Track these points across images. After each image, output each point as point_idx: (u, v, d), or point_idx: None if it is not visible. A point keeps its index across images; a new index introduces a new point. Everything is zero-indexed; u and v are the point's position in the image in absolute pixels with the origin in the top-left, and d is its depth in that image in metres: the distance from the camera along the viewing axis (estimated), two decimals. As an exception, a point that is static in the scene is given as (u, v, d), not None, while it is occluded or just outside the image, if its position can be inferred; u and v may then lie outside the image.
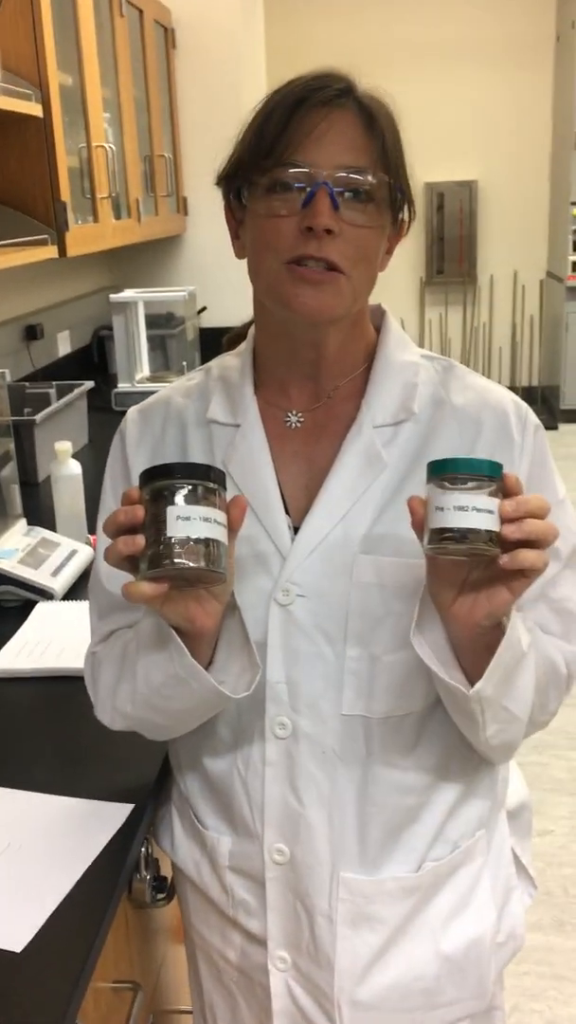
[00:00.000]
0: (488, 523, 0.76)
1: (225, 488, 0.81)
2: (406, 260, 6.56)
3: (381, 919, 0.97)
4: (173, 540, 0.77)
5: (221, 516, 0.80)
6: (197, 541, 0.77)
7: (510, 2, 6.21)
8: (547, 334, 6.75)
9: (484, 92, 6.35)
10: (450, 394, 0.97)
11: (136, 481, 1.00)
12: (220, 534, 0.79)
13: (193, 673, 0.87)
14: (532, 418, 0.98)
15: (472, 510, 0.76)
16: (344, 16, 6.17)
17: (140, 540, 0.78)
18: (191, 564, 0.77)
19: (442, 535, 0.77)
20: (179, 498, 0.78)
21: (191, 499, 0.78)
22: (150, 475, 0.80)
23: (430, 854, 0.98)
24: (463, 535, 0.76)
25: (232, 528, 0.82)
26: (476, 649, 0.85)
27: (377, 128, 0.88)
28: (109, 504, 1.05)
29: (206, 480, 0.79)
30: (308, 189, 0.86)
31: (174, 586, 0.81)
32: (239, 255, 0.97)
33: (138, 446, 1.02)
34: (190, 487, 0.78)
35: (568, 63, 5.96)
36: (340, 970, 0.98)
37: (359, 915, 0.97)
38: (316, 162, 0.86)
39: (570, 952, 2.18)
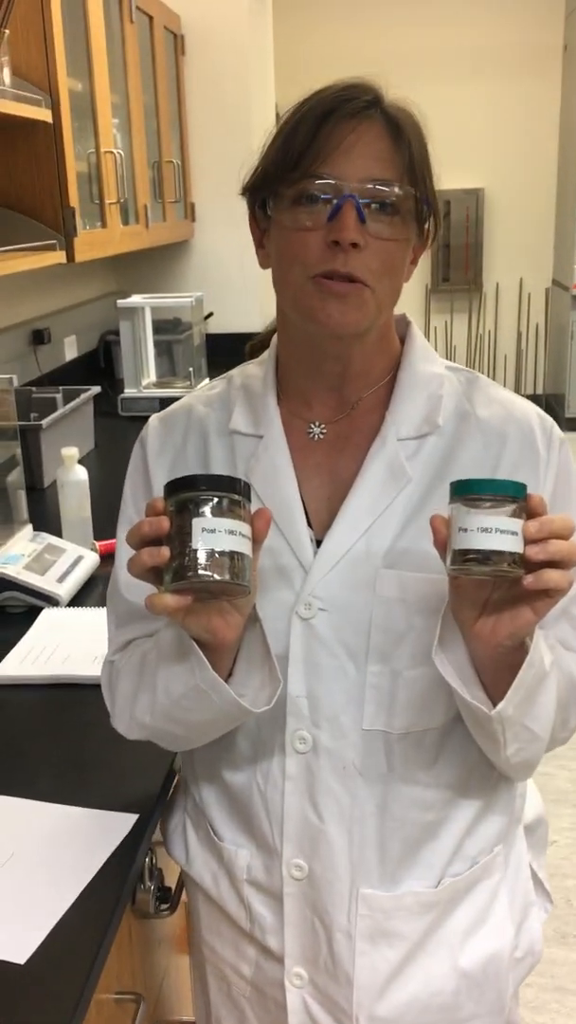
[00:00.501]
0: (512, 545, 0.75)
1: (250, 500, 0.81)
2: (412, 267, 6.55)
3: (400, 935, 0.97)
4: (198, 552, 0.76)
5: (246, 528, 0.79)
6: (222, 554, 0.77)
7: (519, 12, 6.22)
8: (552, 343, 6.74)
9: (492, 101, 6.36)
10: (475, 407, 0.97)
11: (156, 490, 1.00)
12: (245, 547, 0.79)
13: (214, 686, 0.87)
14: (557, 432, 0.97)
15: (496, 532, 0.75)
16: (353, 24, 6.18)
17: (165, 552, 0.78)
18: (216, 577, 0.77)
19: (465, 556, 0.76)
20: (205, 510, 0.77)
21: (217, 511, 0.77)
22: (175, 486, 0.79)
23: (449, 870, 0.98)
24: (486, 557, 0.75)
25: (256, 540, 0.81)
26: (498, 668, 0.84)
27: (404, 140, 0.88)
28: (129, 513, 1.04)
29: (232, 492, 0.79)
30: (335, 202, 0.86)
31: (197, 598, 0.80)
32: (263, 265, 0.97)
33: (159, 455, 1.02)
34: (216, 499, 0.78)
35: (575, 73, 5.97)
36: (359, 986, 0.97)
37: (378, 931, 0.96)
38: (343, 174, 0.86)
39: (573, 964, 2.17)
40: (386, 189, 0.87)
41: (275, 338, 1.03)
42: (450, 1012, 1.00)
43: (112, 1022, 1.04)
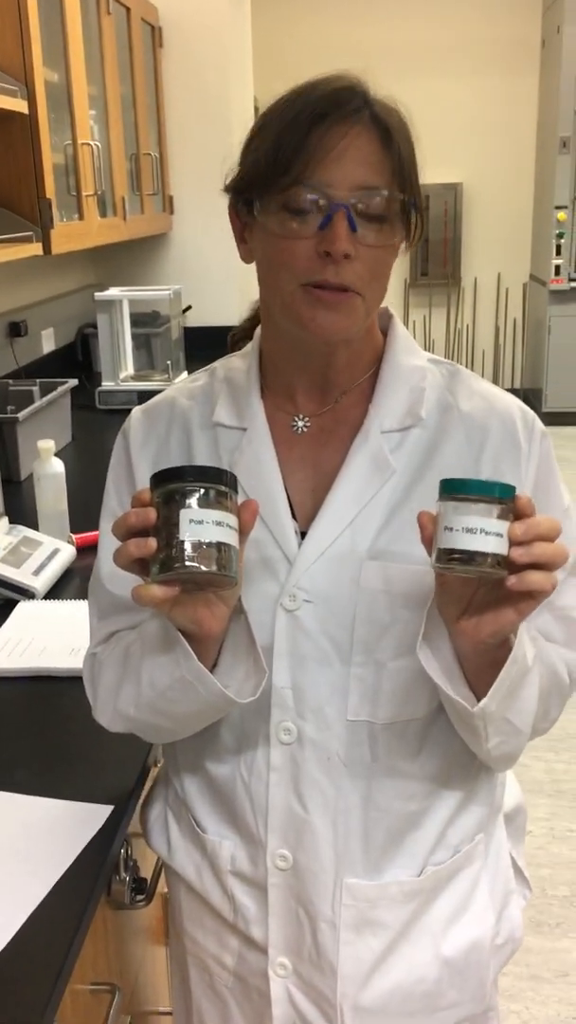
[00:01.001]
0: (496, 547, 0.76)
1: (237, 492, 0.81)
2: (391, 261, 6.57)
3: (384, 923, 0.98)
4: (186, 544, 0.76)
5: (233, 520, 0.79)
6: (209, 545, 0.77)
7: (496, 6, 6.25)
8: (530, 337, 6.78)
9: (470, 95, 6.38)
10: (457, 400, 0.97)
11: (139, 482, 1.00)
12: (232, 538, 0.79)
13: (200, 677, 0.87)
14: (539, 425, 0.98)
15: (481, 532, 0.76)
16: (331, 17, 6.18)
17: (152, 543, 0.77)
18: (204, 568, 0.77)
19: (450, 555, 0.77)
20: (192, 501, 0.77)
21: (204, 503, 0.77)
22: (162, 477, 0.79)
23: (432, 858, 0.98)
24: (470, 557, 0.76)
25: (243, 531, 0.81)
26: (481, 664, 0.85)
27: (394, 144, 0.87)
28: (112, 505, 1.04)
29: (219, 483, 0.79)
30: (326, 210, 0.85)
31: (184, 589, 0.80)
32: (245, 260, 0.96)
33: (142, 447, 1.01)
34: (203, 490, 0.78)
35: (554, 68, 5.99)
36: (343, 975, 0.98)
37: (362, 920, 0.97)
38: (334, 182, 0.85)
39: (548, 953, 2.19)
40: (377, 196, 0.86)
41: (258, 330, 1.02)
42: (432, 999, 1.01)
43: (87, 1013, 1.04)
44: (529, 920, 2.26)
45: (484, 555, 0.76)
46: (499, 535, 0.76)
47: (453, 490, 0.78)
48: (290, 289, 0.89)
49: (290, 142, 0.86)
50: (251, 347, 1.03)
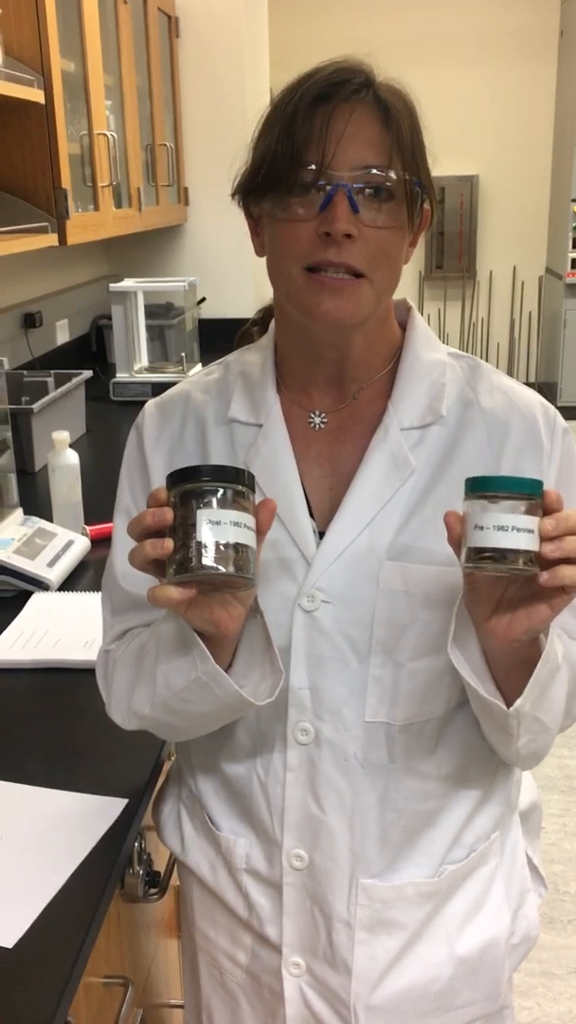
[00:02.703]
0: (528, 543, 0.75)
1: (254, 491, 0.80)
2: (406, 254, 6.55)
3: (399, 924, 0.97)
4: (203, 545, 0.75)
5: (250, 520, 0.78)
6: (227, 546, 0.76)
7: (515, -4, 6.20)
8: (545, 331, 6.74)
9: (487, 87, 6.34)
10: (478, 395, 0.96)
11: (153, 478, 0.99)
12: (249, 539, 0.78)
13: (216, 678, 0.86)
14: (560, 422, 0.97)
15: (512, 530, 0.75)
16: (347, 8, 6.14)
17: (169, 544, 0.76)
18: (222, 569, 0.75)
19: (481, 554, 0.76)
20: (210, 501, 0.76)
21: (222, 503, 0.76)
22: (179, 477, 0.78)
23: (448, 858, 0.98)
24: (503, 555, 0.75)
25: (260, 532, 0.80)
26: (511, 663, 0.84)
27: (394, 122, 0.86)
28: (126, 501, 1.03)
29: (237, 483, 0.77)
30: (327, 189, 0.84)
31: (200, 590, 0.79)
32: (259, 253, 0.95)
33: (156, 442, 1.00)
34: (221, 491, 0.76)
35: (572, 59, 5.95)
36: (357, 975, 0.97)
37: (377, 920, 0.96)
38: (334, 163, 0.84)
39: (560, 949, 2.18)
40: (379, 175, 0.85)
41: (273, 322, 1.01)
42: (447, 999, 1.00)
43: (100, 1006, 1.04)
44: (542, 916, 2.25)
45: (516, 552, 0.75)
46: (530, 531, 0.75)
47: (481, 488, 0.77)
48: (294, 275, 0.88)
49: (292, 125, 0.85)
50: (266, 340, 1.02)
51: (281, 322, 0.98)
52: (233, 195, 0.94)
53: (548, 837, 2.48)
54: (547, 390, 6.50)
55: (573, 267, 6.06)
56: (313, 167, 0.84)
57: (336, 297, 0.87)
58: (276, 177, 0.86)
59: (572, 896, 2.33)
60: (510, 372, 6.79)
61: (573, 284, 6.10)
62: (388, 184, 0.85)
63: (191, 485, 0.77)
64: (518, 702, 0.82)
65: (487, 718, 0.89)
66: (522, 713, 0.84)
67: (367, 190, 0.85)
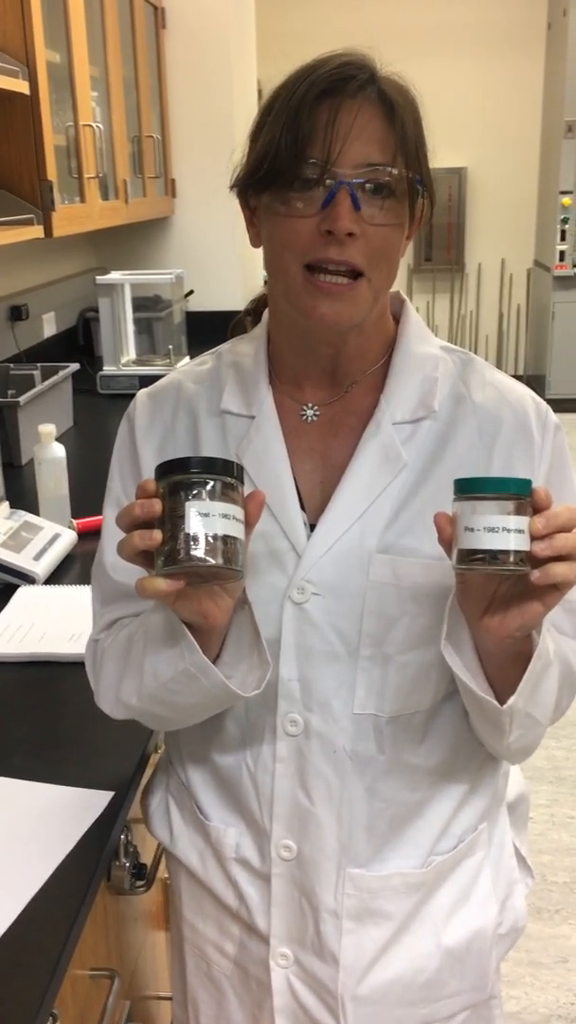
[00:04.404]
0: (518, 543, 0.75)
1: (243, 483, 0.80)
2: (394, 247, 6.56)
3: (386, 914, 0.97)
4: (192, 536, 0.75)
5: (239, 512, 0.78)
6: (216, 538, 0.75)
7: (503, -12, 6.19)
8: (534, 323, 6.75)
9: (475, 79, 6.33)
10: (470, 390, 0.95)
11: (144, 467, 0.98)
12: (238, 531, 0.77)
13: (204, 670, 0.86)
14: (552, 418, 0.97)
15: (502, 530, 0.75)
16: (335, 0, 6.13)
17: (158, 535, 0.76)
18: (211, 561, 0.75)
19: (472, 556, 0.76)
20: (199, 493, 0.76)
21: (211, 495, 0.76)
22: (168, 468, 0.77)
23: (435, 849, 0.98)
24: (494, 556, 0.75)
25: (249, 524, 0.80)
26: (503, 660, 0.84)
27: (398, 120, 0.85)
28: (116, 490, 1.02)
29: (226, 475, 0.77)
30: (329, 186, 0.83)
31: (188, 582, 0.79)
32: (255, 244, 0.95)
33: (148, 432, 1.00)
34: (211, 482, 0.76)
35: (560, 51, 5.95)
36: (344, 965, 0.97)
37: (365, 911, 0.97)
38: (337, 160, 0.83)
39: (547, 939, 2.19)
40: (382, 172, 0.84)
41: (267, 313, 1.00)
42: (434, 989, 1.01)
43: (87, 998, 1.04)
44: (529, 906, 2.25)
45: (507, 553, 0.75)
46: (520, 531, 0.75)
47: (470, 489, 0.77)
48: (293, 271, 0.87)
49: (295, 120, 0.84)
50: (259, 331, 1.01)
51: (275, 315, 0.97)
52: (232, 187, 0.93)
53: (535, 827, 2.49)
54: (536, 383, 6.52)
55: (561, 260, 6.07)
56: (317, 163, 0.84)
57: (334, 301, 0.86)
58: (279, 171, 0.85)
59: (559, 886, 2.34)
60: (499, 365, 6.81)
61: (561, 277, 6.12)
62: (390, 181, 0.85)
63: (180, 477, 0.76)
64: (512, 699, 0.83)
65: (479, 714, 0.90)
66: (515, 710, 0.84)
67: (368, 186, 0.84)
